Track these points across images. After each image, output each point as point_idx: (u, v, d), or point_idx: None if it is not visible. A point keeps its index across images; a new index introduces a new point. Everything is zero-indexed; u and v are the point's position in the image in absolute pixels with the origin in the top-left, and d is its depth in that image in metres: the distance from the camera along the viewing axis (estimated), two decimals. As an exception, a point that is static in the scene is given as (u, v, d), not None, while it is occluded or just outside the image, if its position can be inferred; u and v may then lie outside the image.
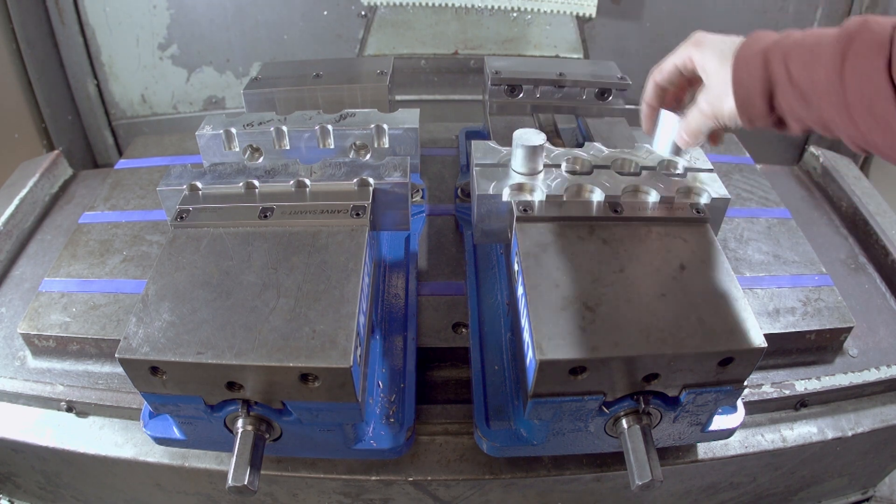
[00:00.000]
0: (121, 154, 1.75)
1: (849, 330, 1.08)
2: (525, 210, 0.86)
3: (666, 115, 0.90)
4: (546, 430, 0.82)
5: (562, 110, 1.27)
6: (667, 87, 0.89)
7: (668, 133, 0.91)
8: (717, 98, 0.78)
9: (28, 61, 1.84)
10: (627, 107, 1.26)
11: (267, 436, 0.77)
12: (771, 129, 0.76)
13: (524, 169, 0.90)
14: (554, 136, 1.29)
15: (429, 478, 0.93)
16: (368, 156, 1.06)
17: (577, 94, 1.24)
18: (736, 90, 0.75)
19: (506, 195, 0.88)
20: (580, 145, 1.00)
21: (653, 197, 0.89)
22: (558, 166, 0.92)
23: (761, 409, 1.04)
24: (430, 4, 1.83)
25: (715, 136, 0.89)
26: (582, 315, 0.73)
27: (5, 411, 1.02)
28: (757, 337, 0.72)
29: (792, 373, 1.07)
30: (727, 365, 0.73)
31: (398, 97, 1.34)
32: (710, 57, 0.79)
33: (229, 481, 0.71)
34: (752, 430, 1.02)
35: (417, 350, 0.98)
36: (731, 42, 0.78)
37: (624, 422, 0.77)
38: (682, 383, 0.75)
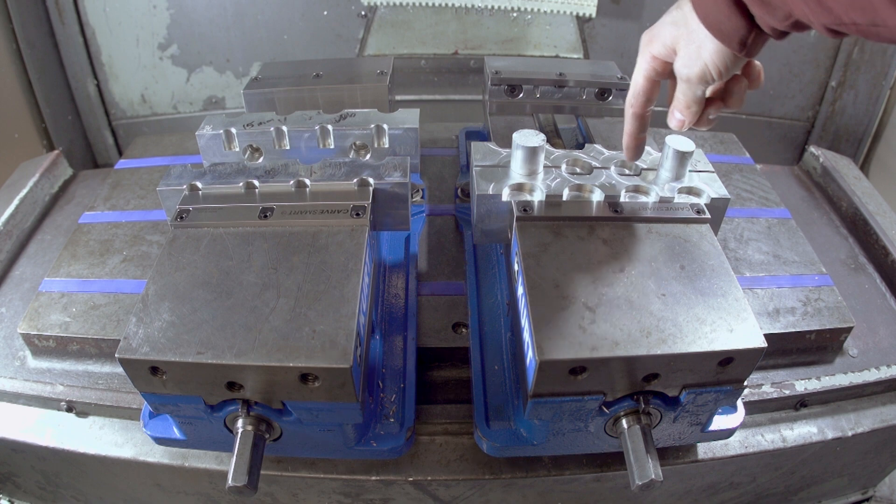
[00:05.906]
0: (121, 154, 1.75)
1: (849, 330, 1.08)
2: (525, 210, 0.86)
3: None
4: (546, 430, 0.82)
5: (562, 110, 1.27)
6: (648, 113, 0.85)
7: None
8: (695, 51, 0.74)
9: (28, 61, 1.84)
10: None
11: (267, 436, 0.77)
12: (754, 45, 0.71)
13: (524, 170, 0.90)
14: (554, 137, 1.29)
15: (429, 478, 0.93)
16: (368, 156, 1.06)
17: (577, 94, 1.24)
18: (705, 20, 0.71)
19: (505, 195, 0.88)
20: (580, 145, 1.00)
21: (653, 197, 0.89)
22: (558, 167, 0.92)
23: (761, 409, 1.04)
24: (430, 4, 1.83)
25: (703, 118, 0.84)
26: (582, 315, 0.73)
27: (5, 411, 1.02)
28: (757, 337, 0.72)
29: (792, 373, 1.07)
30: (727, 365, 0.73)
31: (398, 97, 1.34)
32: (668, 33, 0.76)
33: (229, 481, 0.71)
34: (752, 430, 1.02)
35: (417, 350, 0.98)
36: (673, 9, 0.76)
37: (624, 422, 0.77)
38: (682, 383, 0.75)
